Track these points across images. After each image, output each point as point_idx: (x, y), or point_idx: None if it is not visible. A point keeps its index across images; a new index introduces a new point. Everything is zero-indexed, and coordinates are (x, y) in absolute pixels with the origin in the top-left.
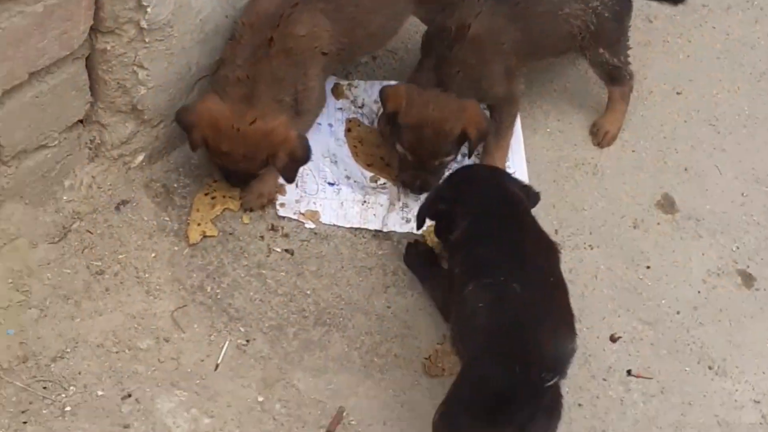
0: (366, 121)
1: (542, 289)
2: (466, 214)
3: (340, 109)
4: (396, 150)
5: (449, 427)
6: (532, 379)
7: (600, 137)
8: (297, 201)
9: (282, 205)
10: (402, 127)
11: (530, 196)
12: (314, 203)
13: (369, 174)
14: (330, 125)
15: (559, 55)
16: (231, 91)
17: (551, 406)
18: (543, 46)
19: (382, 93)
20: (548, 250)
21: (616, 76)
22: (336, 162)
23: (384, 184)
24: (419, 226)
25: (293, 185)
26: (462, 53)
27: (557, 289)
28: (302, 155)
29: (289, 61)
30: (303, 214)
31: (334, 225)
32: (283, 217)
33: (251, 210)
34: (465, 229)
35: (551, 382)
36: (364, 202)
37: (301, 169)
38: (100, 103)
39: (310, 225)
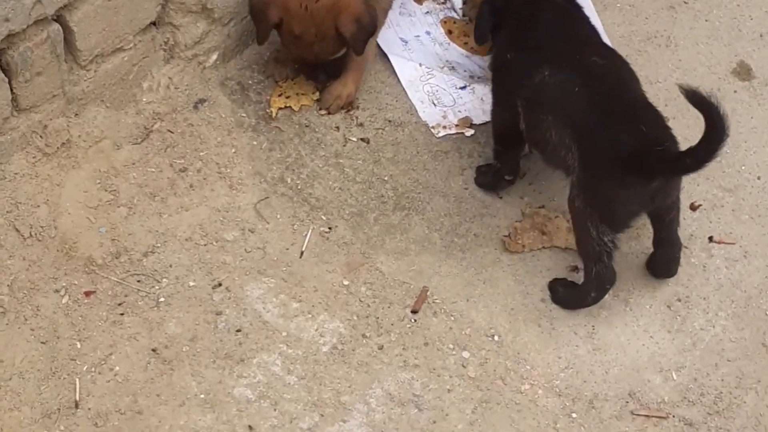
0: (456, 15)
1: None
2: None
3: (428, 13)
4: None
5: (596, 197)
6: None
7: None
8: (444, 116)
9: (434, 127)
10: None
11: None
12: (459, 111)
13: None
14: (428, 33)
15: None
16: None
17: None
18: None
19: None
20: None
21: None
22: (453, 67)
23: None
24: (481, 44)
25: (430, 104)
26: None
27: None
28: (368, 21)
29: None
30: (458, 125)
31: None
32: (357, 107)
33: (328, 112)
34: (525, 18)
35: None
36: None
37: (431, 88)
38: (171, 4)
39: (469, 132)
